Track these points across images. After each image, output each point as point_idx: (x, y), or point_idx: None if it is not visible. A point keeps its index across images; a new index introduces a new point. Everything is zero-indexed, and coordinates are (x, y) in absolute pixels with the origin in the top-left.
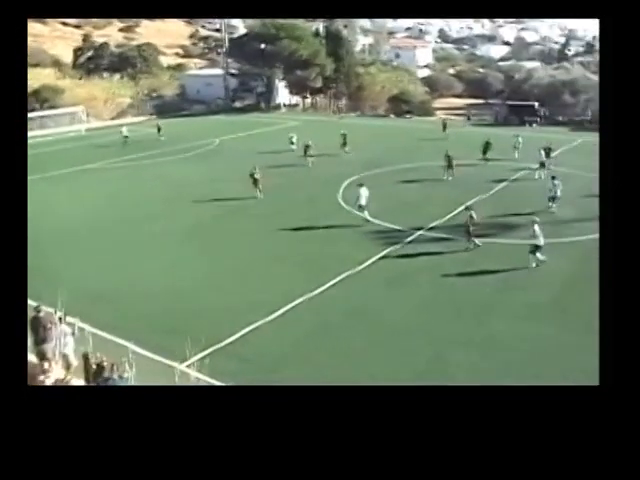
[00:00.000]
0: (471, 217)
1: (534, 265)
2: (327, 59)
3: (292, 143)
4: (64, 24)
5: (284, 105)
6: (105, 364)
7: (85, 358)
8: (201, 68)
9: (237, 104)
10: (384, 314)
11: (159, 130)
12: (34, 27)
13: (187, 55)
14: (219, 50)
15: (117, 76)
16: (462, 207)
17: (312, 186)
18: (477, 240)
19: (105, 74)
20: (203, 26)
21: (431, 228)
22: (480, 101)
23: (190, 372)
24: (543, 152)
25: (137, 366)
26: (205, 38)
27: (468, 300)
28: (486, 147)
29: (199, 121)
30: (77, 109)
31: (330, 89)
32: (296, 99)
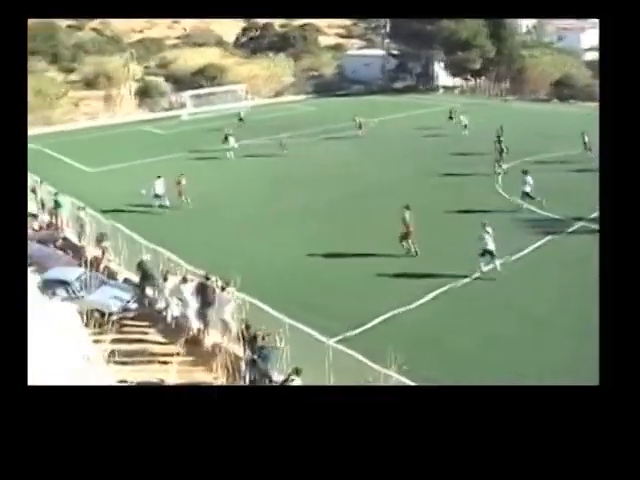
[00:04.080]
0: (404, 219)
1: (484, 269)
2: (488, 40)
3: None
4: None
5: (443, 87)
6: (259, 333)
7: (246, 326)
8: (360, 48)
9: (396, 85)
10: (531, 308)
11: (226, 138)
12: None
13: (347, 35)
14: (379, 31)
15: (279, 55)
16: None
17: (467, 169)
18: (413, 247)
19: (267, 53)
20: None
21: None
22: None
23: (341, 347)
24: None
25: (290, 339)
26: (365, 18)
27: None
28: None
29: (357, 101)
30: (238, 87)
31: (491, 71)
32: (456, 81)
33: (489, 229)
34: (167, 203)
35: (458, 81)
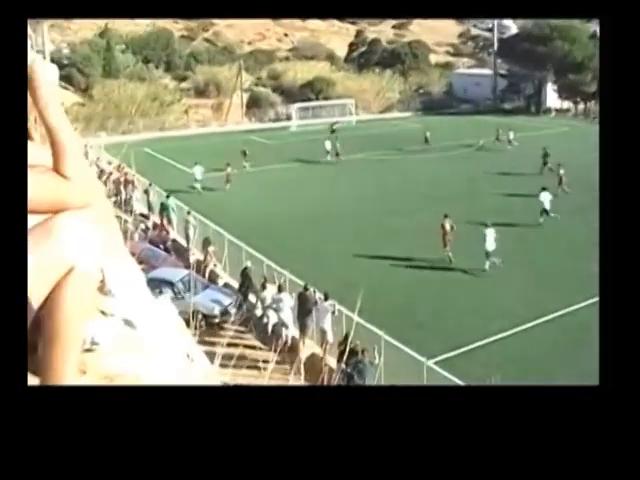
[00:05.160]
0: (443, 226)
1: (487, 267)
2: None
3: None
4: (341, 20)
5: (554, 109)
6: (357, 348)
7: (345, 338)
8: (469, 67)
9: (506, 106)
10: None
11: (245, 154)
12: (313, 22)
13: (457, 54)
14: (489, 50)
15: (387, 71)
16: None
17: (578, 195)
18: (450, 254)
19: (376, 69)
20: (474, 25)
21: None
22: None
23: (437, 369)
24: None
25: (386, 356)
26: (475, 37)
27: None
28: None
29: (466, 120)
30: (347, 101)
31: None
32: (567, 104)
33: (489, 231)
34: (199, 186)
35: (570, 104)
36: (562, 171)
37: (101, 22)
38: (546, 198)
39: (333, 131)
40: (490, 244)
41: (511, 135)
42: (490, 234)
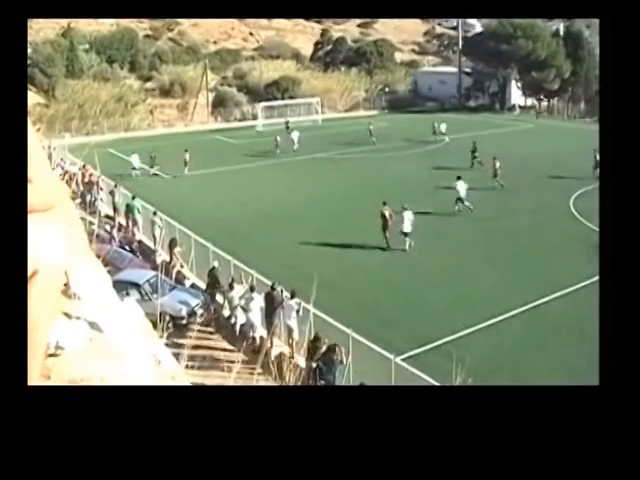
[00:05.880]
0: (382, 213)
1: (407, 248)
2: (566, 60)
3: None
4: (306, 19)
5: (519, 107)
6: (326, 346)
7: (316, 338)
8: (434, 65)
9: (471, 103)
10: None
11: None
12: (279, 22)
13: (422, 52)
14: (454, 48)
15: (353, 70)
16: None
17: (541, 192)
18: (388, 235)
19: (341, 67)
20: (439, 24)
21: None
22: None
23: (405, 365)
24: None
25: (354, 354)
26: (440, 35)
27: None
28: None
29: (430, 118)
30: (313, 100)
31: (567, 92)
32: (531, 101)
33: (407, 214)
34: (139, 173)
35: (533, 102)
36: (498, 164)
37: (64, 21)
38: (462, 187)
39: (287, 127)
40: (407, 226)
41: (443, 128)
42: (407, 216)
